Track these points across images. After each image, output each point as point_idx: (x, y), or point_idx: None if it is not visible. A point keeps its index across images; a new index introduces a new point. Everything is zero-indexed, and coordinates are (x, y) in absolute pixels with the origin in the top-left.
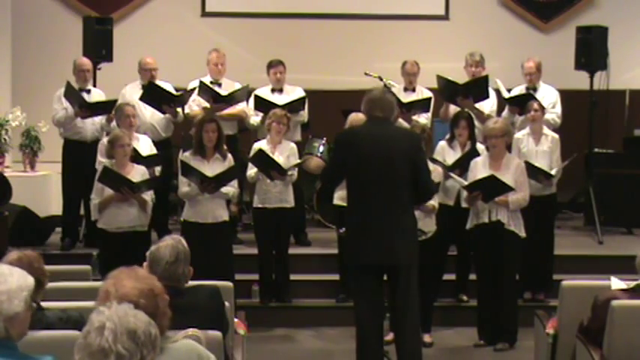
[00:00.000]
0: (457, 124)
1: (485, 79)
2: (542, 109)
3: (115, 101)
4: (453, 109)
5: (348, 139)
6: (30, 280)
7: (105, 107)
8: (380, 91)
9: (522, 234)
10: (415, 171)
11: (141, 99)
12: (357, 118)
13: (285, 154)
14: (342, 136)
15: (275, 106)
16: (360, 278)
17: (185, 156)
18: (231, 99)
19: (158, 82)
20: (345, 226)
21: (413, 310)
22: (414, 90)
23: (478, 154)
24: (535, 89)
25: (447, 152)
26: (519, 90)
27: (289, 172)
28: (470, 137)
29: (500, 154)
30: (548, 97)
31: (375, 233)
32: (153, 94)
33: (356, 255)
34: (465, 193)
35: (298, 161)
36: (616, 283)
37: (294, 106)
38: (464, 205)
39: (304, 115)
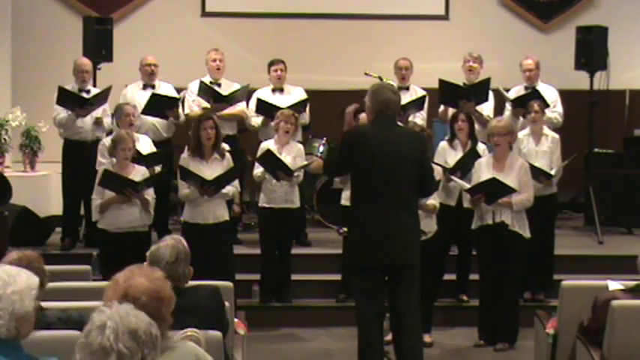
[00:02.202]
0: (457, 119)
1: (488, 81)
2: (543, 109)
3: (109, 89)
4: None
5: (356, 138)
6: (36, 280)
7: (101, 98)
8: (390, 91)
9: (527, 235)
10: (420, 171)
11: (143, 112)
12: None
13: (292, 155)
14: (350, 135)
15: (277, 108)
16: (363, 278)
17: (183, 157)
18: (232, 99)
19: (158, 83)
20: (349, 225)
21: (414, 311)
22: (407, 89)
23: (478, 155)
24: (533, 88)
25: (448, 153)
26: (518, 90)
27: (295, 173)
28: (470, 135)
29: (504, 153)
30: (549, 96)
31: (380, 233)
32: (155, 105)
33: (360, 255)
34: (468, 195)
35: (305, 162)
36: (613, 285)
37: (295, 109)
38: (466, 205)
39: (306, 118)
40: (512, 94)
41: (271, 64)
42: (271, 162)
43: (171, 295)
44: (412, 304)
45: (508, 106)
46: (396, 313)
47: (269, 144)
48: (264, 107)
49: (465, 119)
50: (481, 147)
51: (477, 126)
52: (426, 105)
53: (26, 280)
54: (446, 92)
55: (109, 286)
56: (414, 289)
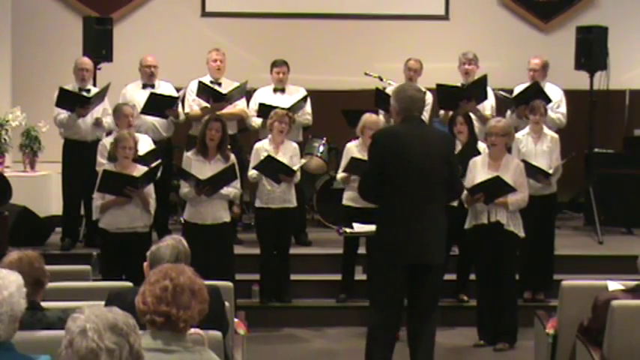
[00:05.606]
0: (455, 122)
1: (484, 79)
2: (546, 110)
3: (107, 87)
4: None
5: (387, 139)
6: (21, 277)
7: (100, 95)
8: (417, 90)
9: (521, 234)
10: (449, 171)
11: (142, 112)
12: (370, 119)
13: (288, 155)
14: (380, 136)
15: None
16: (388, 278)
17: (187, 156)
18: (231, 97)
19: (157, 82)
20: (379, 224)
21: (434, 312)
22: None
23: (476, 148)
24: (536, 84)
25: None
26: (522, 88)
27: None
28: (470, 134)
29: (500, 153)
30: (553, 96)
31: (412, 233)
32: (154, 105)
33: (392, 254)
34: (464, 194)
35: (303, 161)
36: (613, 285)
37: (296, 108)
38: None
39: (309, 118)
40: (518, 91)
41: (274, 65)
42: (272, 167)
43: (205, 299)
44: (434, 305)
45: (509, 112)
46: (415, 314)
47: (264, 144)
48: (266, 111)
49: (463, 122)
50: (482, 145)
51: (476, 124)
52: (429, 105)
53: (16, 279)
54: (445, 97)
55: (159, 270)
56: (437, 289)
